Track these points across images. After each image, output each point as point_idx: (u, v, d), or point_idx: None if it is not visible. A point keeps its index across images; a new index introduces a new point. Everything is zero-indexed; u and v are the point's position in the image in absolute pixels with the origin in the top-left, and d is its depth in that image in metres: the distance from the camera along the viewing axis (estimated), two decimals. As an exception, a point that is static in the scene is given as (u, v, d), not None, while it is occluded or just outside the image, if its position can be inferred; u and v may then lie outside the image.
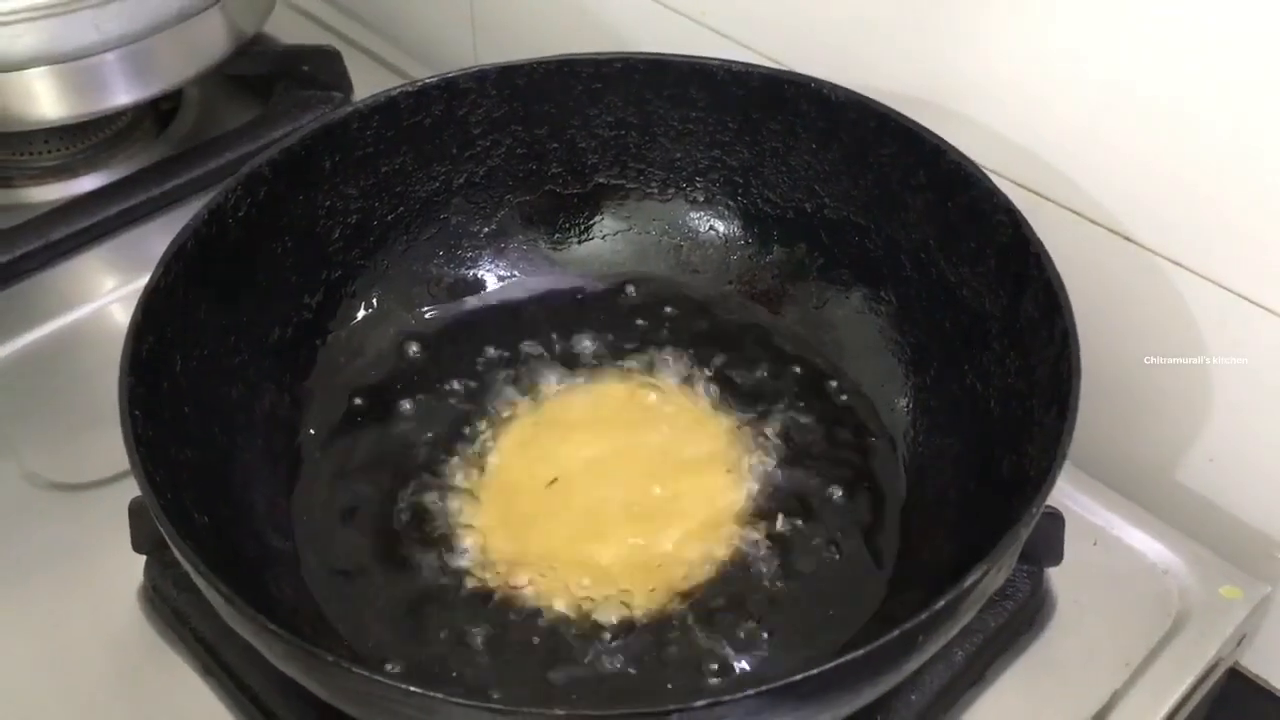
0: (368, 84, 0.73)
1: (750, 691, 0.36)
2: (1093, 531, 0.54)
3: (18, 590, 0.52)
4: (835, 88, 0.55)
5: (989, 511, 0.46)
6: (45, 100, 0.65)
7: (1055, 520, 0.50)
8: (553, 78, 0.58)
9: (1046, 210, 0.57)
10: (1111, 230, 0.55)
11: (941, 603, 0.38)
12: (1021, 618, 0.50)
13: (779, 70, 0.58)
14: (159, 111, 0.76)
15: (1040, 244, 0.48)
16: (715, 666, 0.47)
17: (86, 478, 0.56)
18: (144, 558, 0.51)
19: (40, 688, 0.49)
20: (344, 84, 0.76)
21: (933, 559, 0.49)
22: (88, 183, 0.71)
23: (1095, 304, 0.54)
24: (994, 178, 0.51)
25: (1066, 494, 0.55)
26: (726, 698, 0.36)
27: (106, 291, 0.66)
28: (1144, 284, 0.55)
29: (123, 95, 0.67)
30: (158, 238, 0.52)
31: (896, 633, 0.37)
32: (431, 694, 0.36)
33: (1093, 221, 0.56)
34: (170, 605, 0.50)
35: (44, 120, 0.66)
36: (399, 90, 0.57)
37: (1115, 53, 0.52)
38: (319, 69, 0.76)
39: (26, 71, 0.63)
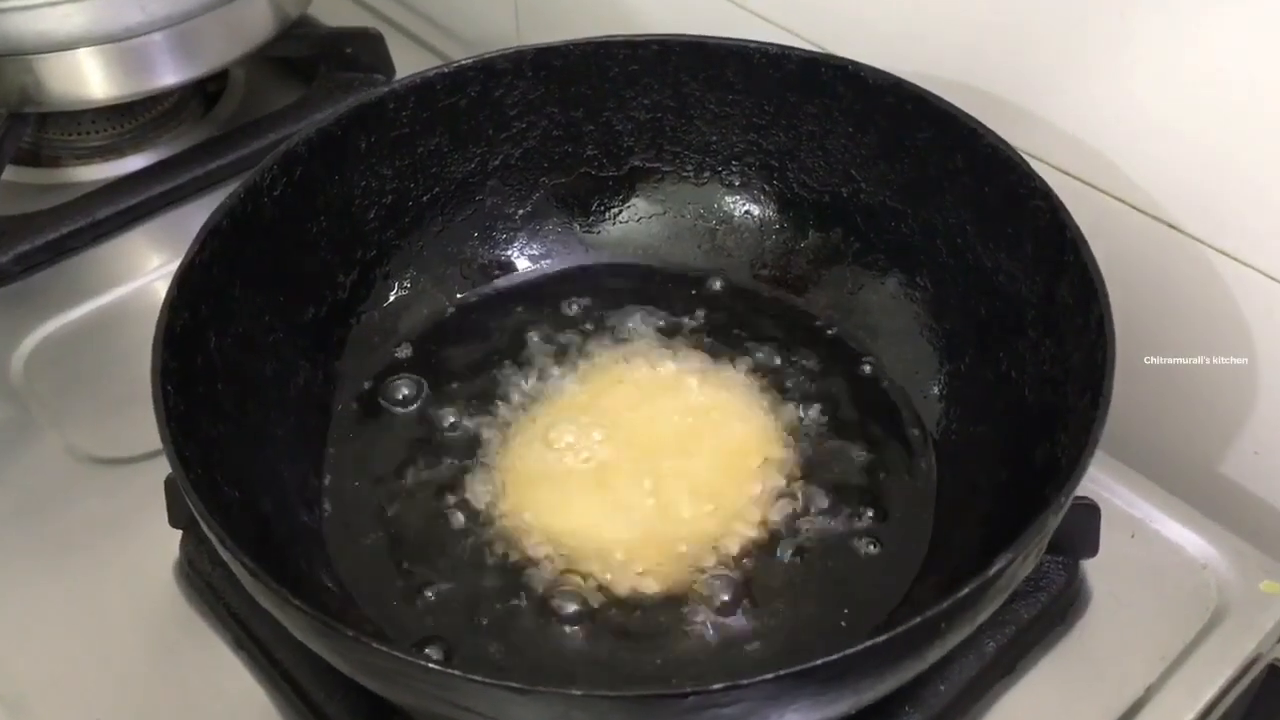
0: (410, 67, 0.71)
1: (769, 675, 0.36)
2: (1130, 524, 0.53)
3: (57, 562, 0.53)
4: (873, 70, 0.55)
5: (1020, 500, 0.45)
6: (93, 80, 0.65)
7: (1091, 511, 0.49)
8: (589, 60, 0.58)
9: (1088, 197, 0.56)
10: (1156, 218, 0.55)
11: (965, 590, 0.37)
12: (1055, 610, 0.50)
13: (816, 53, 0.57)
14: (204, 93, 0.77)
15: (1077, 229, 0.47)
16: (734, 649, 0.47)
17: (126, 453, 0.57)
18: (180, 532, 0.51)
19: (77, 657, 0.50)
20: (386, 66, 0.76)
21: (963, 547, 0.48)
22: (133, 162, 0.72)
23: (1138, 293, 0.53)
24: (1033, 163, 0.51)
25: (1103, 485, 0.54)
26: (745, 681, 0.35)
27: (150, 270, 0.67)
28: (1189, 274, 0.54)
29: (169, 76, 0.67)
30: (202, 217, 0.53)
31: (918, 619, 0.36)
32: (449, 671, 0.36)
33: (1137, 209, 0.55)
34: (204, 579, 0.51)
35: (91, 100, 0.67)
36: (435, 71, 0.57)
37: (1162, 39, 0.51)
38: (362, 51, 0.76)
39: (74, 51, 0.63)
